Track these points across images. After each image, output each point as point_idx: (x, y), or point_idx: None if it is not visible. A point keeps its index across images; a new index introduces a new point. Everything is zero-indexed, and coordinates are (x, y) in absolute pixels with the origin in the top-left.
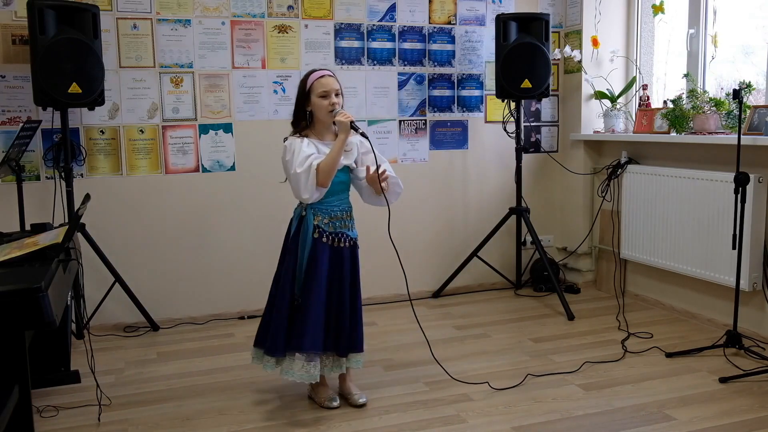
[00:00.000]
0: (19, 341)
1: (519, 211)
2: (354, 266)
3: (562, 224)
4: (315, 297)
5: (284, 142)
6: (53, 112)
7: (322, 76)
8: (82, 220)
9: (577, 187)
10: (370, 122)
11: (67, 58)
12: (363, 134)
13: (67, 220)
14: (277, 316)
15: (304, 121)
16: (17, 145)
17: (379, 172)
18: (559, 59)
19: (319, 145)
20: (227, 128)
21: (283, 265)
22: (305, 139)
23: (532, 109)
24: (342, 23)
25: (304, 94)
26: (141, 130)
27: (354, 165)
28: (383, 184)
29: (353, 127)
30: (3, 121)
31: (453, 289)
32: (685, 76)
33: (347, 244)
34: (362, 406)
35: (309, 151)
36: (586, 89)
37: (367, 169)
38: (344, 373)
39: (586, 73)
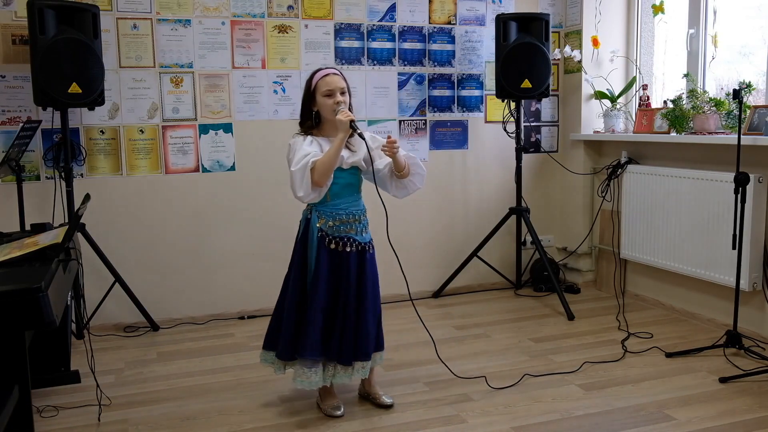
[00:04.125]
0: (19, 341)
1: (519, 211)
2: (361, 272)
3: (562, 224)
4: (316, 302)
5: (290, 140)
6: (53, 112)
7: (326, 75)
8: (82, 220)
9: (577, 187)
10: (370, 122)
11: (67, 58)
12: (360, 135)
13: (67, 220)
14: (287, 320)
15: (309, 120)
16: (17, 145)
17: (389, 140)
18: (559, 59)
19: (324, 144)
20: (227, 128)
21: (291, 268)
22: (309, 137)
23: (532, 109)
24: (342, 23)
25: (309, 94)
26: (141, 130)
27: (364, 165)
28: (401, 161)
29: (352, 126)
30: (3, 121)
31: (453, 289)
32: (685, 76)
33: (354, 248)
34: (389, 406)
35: (309, 150)
36: (586, 89)
37: (388, 137)
38: (365, 377)
39: (586, 73)
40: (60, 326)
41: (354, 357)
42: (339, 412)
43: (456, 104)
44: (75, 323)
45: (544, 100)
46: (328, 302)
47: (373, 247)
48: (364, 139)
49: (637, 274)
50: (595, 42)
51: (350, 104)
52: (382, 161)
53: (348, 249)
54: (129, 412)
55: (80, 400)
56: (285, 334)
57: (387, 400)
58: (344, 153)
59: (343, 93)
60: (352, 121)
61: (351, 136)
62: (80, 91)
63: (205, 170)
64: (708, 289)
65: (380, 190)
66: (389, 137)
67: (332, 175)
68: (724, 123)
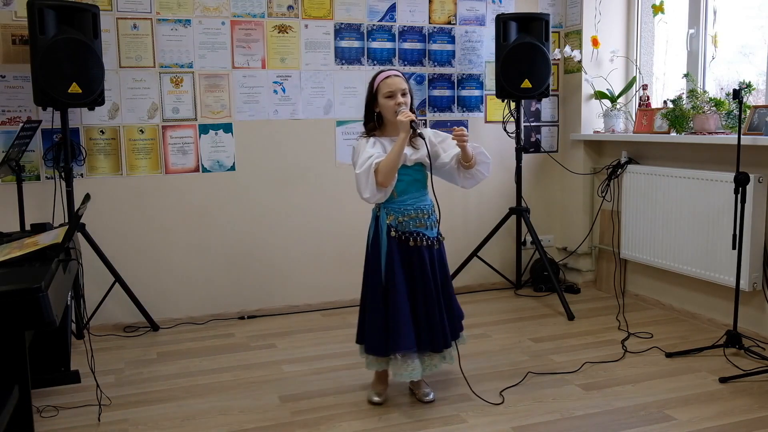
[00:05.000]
0: (19, 341)
1: (519, 211)
2: (432, 265)
3: (562, 224)
4: (400, 297)
5: (354, 143)
6: (53, 112)
7: (388, 77)
8: (82, 220)
9: (577, 187)
10: None
11: (67, 58)
12: (420, 134)
13: (67, 220)
14: (373, 316)
15: (372, 122)
16: (17, 145)
17: (456, 131)
18: (559, 59)
19: (387, 145)
20: (227, 128)
21: (367, 266)
22: (371, 138)
23: (532, 109)
24: (342, 23)
25: (371, 96)
26: (141, 130)
27: (428, 160)
28: (469, 152)
29: (413, 126)
30: (3, 121)
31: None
32: (685, 76)
33: (424, 243)
34: (429, 403)
35: (372, 152)
36: (586, 89)
37: (454, 130)
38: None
39: (586, 73)
40: (60, 326)
41: (444, 344)
42: (377, 399)
43: (456, 104)
44: (75, 323)
45: (544, 100)
46: (411, 296)
47: (440, 242)
48: (423, 138)
49: (637, 274)
50: (595, 42)
51: (412, 105)
52: (448, 155)
53: (419, 244)
54: (129, 412)
55: (80, 400)
56: (374, 330)
57: (427, 397)
58: (408, 151)
59: (404, 94)
60: (412, 121)
61: (413, 135)
62: (80, 91)
63: (205, 170)
64: (708, 289)
65: (448, 183)
66: (455, 129)
67: (397, 175)
68: (724, 123)
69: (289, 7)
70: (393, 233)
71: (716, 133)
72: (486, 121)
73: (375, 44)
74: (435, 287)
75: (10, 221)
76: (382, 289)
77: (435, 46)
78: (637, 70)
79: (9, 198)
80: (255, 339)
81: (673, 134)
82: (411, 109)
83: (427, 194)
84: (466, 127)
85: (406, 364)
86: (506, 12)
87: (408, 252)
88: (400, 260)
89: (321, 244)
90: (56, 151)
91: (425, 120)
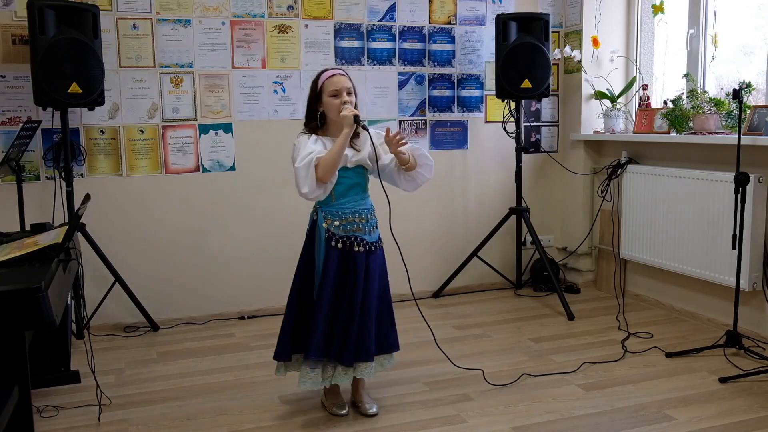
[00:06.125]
0: (19, 341)
1: (519, 211)
2: (368, 272)
3: (562, 224)
4: (323, 305)
5: (295, 140)
6: (53, 112)
7: (333, 75)
8: (82, 220)
9: (577, 187)
10: (370, 122)
11: (67, 58)
12: (364, 127)
13: (67, 220)
14: (286, 320)
15: (314, 121)
16: (17, 145)
17: (391, 134)
18: (559, 59)
19: (329, 144)
20: (227, 128)
21: (298, 270)
22: (313, 136)
23: (532, 109)
24: (342, 23)
25: (315, 94)
26: (141, 130)
27: (369, 163)
28: (405, 156)
29: (356, 120)
30: (3, 121)
31: (453, 289)
32: (685, 76)
33: (361, 248)
34: (372, 416)
35: (314, 148)
36: (586, 89)
37: (387, 131)
38: (357, 380)
39: (586, 73)
40: (60, 326)
41: (356, 358)
42: (343, 412)
43: (456, 104)
44: (75, 323)
45: (544, 100)
46: (333, 304)
47: (380, 247)
48: (367, 130)
49: (637, 274)
50: (595, 42)
51: (356, 105)
52: (388, 156)
53: (356, 249)
54: (129, 412)
55: (80, 400)
56: (283, 334)
57: (370, 409)
58: (349, 152)
59: (349, 93)
60: (356, 116)
61: (356, 136)
62: (80, 91)
63: (205, 170)
64: (708, 289)
65: (391, 185)
66: (389, 130)
67: (337, 173)
68: (724, 123)
69: (289, 7)
70: (330, 237)
71: (716, 133)
72: (486, 121)
73: (375, 44)
74: (364, 297)
75: (10, 221)
76: (307, 294)
77: (435, 46)
78: (637, 70)
79: (9, 198)
80: (255, 339)
81: (673, 134)
82: (355, 108)
83: (367, 197)
84: (466, 127)
85: (311, 372)
86: (506, 12)
87: (345, 257)
88: (336, 266)
89: None
90: (56, 151)
91: (425, 120)
